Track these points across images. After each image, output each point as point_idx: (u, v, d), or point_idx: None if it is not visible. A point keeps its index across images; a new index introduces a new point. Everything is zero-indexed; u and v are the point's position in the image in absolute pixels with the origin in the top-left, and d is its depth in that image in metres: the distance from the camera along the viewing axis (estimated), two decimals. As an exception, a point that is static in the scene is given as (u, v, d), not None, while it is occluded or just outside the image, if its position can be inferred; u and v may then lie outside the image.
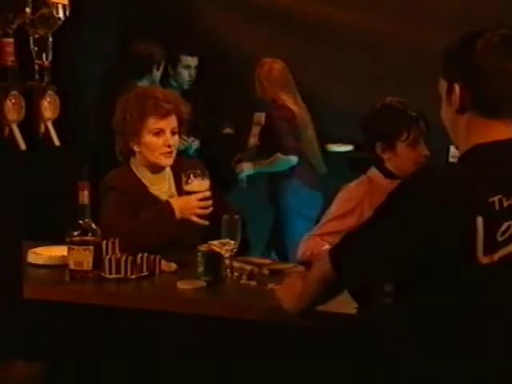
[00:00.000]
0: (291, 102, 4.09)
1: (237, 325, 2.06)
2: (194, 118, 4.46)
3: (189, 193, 2.50)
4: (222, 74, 4.73)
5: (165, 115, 2.56)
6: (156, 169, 2.64)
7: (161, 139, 2.57)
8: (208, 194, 2.50)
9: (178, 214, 2.48)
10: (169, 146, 2.58)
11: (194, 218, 2.49)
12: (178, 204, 2.50)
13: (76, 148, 3.92)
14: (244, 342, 2.08)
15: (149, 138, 2.57)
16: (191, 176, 2.49)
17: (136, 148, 2.61)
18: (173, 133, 2.60)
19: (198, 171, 2.50)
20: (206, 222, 2.50)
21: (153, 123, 2.56)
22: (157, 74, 4.32)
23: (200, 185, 2.49)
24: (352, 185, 2.66)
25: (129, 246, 2.31)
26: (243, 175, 4.21)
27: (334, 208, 2.62)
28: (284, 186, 4.08)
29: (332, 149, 4.39)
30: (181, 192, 2.57)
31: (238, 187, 4.35)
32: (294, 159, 4.03)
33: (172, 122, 2.59)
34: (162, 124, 2.57)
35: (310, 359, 2.02)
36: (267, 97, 4.14)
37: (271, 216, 4.21)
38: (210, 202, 2.50)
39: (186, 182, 2.50)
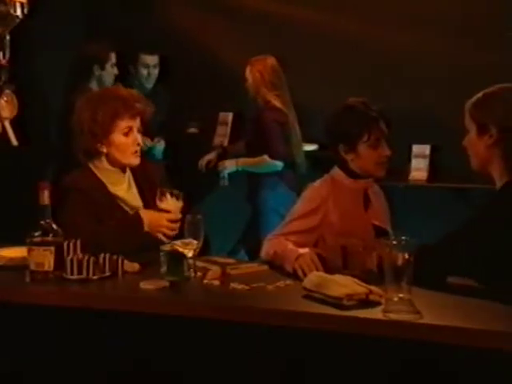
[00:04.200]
0: (284, 103, 4.03)
1: (200, 324, 2.05)
2: (159, 118, 4.48)
3: (161, 210, 2.50)
4: (186, 73, 4.73)
5: (136, 115, 2.62)
6: (120, 169, 2.66)
7: (130, 138, 2.62)
8: (179, 216, 2.49)
9: (145, 227, 2.49)
10: (138, 144, 2.63)
11: (160, 236, 2.49)
12: (148, 218, 2.50)
13: (37, 148, 3.89)
14: (208, 341, 2.08)
15: (119, 138, 2.60)
16: (167, 194, 2.50)
17: (104, 149, 2.61)
18: (138, 131, 2.64)
19: (175, 191, 2.51)
20: (167, 241, 2.48)
21: (125, 123, 2.60)
22: (103, 74, 4.20)
23: (174, 205, 2.50)
24: (316, 184, 2.67)
25: (94, 250, 2.29)
26: (225, 173, 4.16)
27: (298, 207, 2.63)
28: (263, 183, 4.06)
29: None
30: (145, 199, 2.61)
31: (209, 187, 4.34)
32: (279, 165, 4.00)
33: (138, 121, 2.65)
34: (132, 123, 2.62)
35: (275, 359, 2.02)
36: (260, 97, 4.06)
37: (245, 215, 4.19)
38: (178, 225, 2.49)
39: (161, 200, 2.50)
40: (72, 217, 2.47)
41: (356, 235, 2.41)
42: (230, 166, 4.16)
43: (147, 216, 2.51)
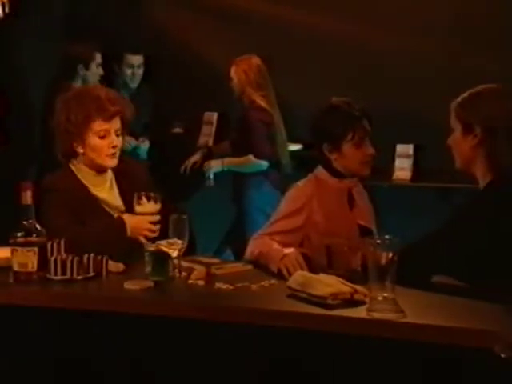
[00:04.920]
0: (269, 103, 4.04)
1: (185, 325, 2.05)
2: (144, 117, 4.47)
3: (140, 214, 2.48)
4: (171, 73, 4.72)
5: (110, 118, 2.56)
6: (99, 170, 2.63)
7: (106, 141, 2.57)
8: (158, 217, 2.48)
9: (128, 232, 2.48)
10: (113, 147, 2.58)
11: (142, 239, 2.48)
12: (131, 222, 2.49)
13: (19, 148, 3.86)
14: (192, 341, 2.08)
15: (94, 140, 2.57)
16: (143, 198, 2.48)
17: (80, 149, 2.59)
18: (117, 134, 2.60)
19: (152, 194, 2.49)
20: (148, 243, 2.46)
21: (98, 125, 2.56)
22: (88, 74, 4.21)
23: (152, 208, 2.48)
24: (300, 184, 2.68)
25: (77, 251, 2.27)
26: (211, 173, 4.16)
27: (283, 207, 2.64)
28: (248, 182, 4.07)
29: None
30: (127, 201, 2.58)
31: (194, 187, 4.34)
32: (264, 164, 4.02)
33: (116, 123, 2.59)
34: (107, 126, 2.57)
35: (259, 358, 2.03)
36: (245, 97, 4.07)
37: (231, 215, 4.20)
38: (159, 226, 2.48)
39: (138, 203, 2.47)
40: (52, 218, 2.45)
41: (341, 235, 2.42)
42: (215, 165, 4.17)
43: (129, 220, 2.49)
